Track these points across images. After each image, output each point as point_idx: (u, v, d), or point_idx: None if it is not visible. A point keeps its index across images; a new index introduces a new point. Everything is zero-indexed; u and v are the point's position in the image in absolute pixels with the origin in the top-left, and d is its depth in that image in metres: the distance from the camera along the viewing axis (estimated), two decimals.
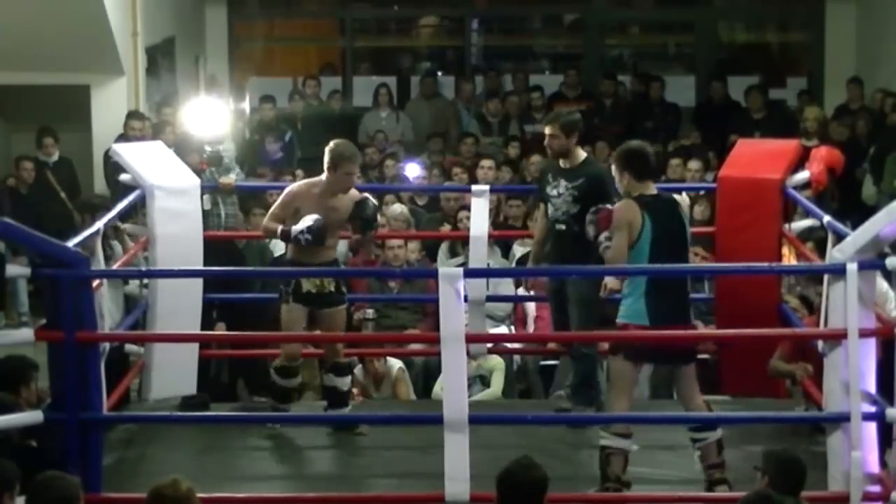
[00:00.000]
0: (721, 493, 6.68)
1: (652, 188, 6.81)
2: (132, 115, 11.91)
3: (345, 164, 7.56)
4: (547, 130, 7.88)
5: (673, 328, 6.62)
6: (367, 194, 7.78)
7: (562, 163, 7.87)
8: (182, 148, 9.13)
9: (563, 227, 7.83)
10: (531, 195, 11.39)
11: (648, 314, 6.60)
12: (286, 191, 7.78)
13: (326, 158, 7.60)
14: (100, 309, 6.93)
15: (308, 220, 7.50)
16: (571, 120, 7.90)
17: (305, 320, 7.69)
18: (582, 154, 7.88)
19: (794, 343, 7.36)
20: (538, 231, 8.23)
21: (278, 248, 10.62)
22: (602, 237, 6.82)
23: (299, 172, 12.24)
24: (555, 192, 7.83)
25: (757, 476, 5.62)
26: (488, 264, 9.15)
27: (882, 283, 7.18)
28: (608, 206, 6.99)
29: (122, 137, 11.40)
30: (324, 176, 7.63)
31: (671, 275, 6.76)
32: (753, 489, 5.56)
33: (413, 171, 12.30)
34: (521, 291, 9.79)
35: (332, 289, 7.66)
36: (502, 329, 9.83)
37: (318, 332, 7.79)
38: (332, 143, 7.69)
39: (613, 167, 6.92)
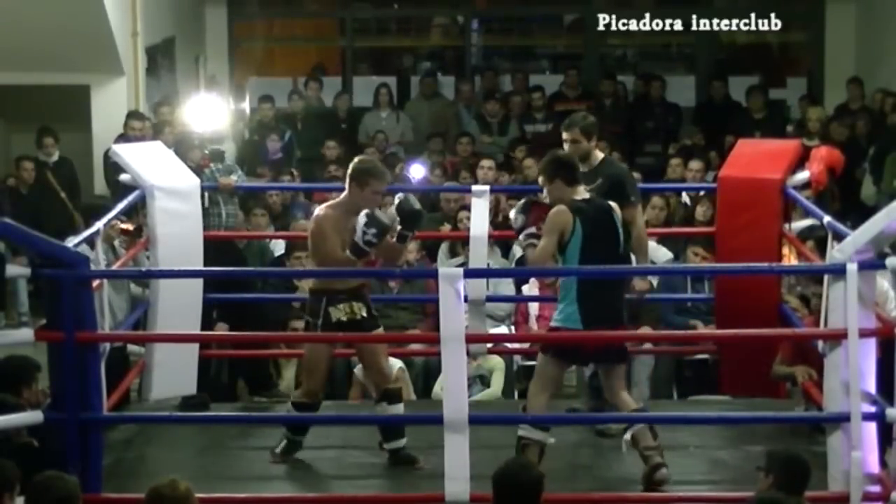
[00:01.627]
0: (662, 476, 6.76)
1: (583, 192, 6.91)
2: (132, 114, 11.91)
3: (374, 181, 7.03)
4: (566, 136, 7.70)
5: (605, 330, 6.78)
6: (400, 194, 7.30)
7: (580, 166, 7.80)
8: (183, 145, 9.14)
9: None
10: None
11: (581, 318, 6.74)
12: (317, 223, 7.04)
13: (351, 174, 7.08)
14: (101, 307, 6.95)
15: (360, 221, 6.88)
16: (590, 123, 7.79)
17: (331, 356, 7.36)
18: (600, 155, 7.74)
19: (795, 344, 7.36)
20: None
21: (278, 248, 10.64)
22: (525, 232, 6.90)
23: (295, 172, 12.30)
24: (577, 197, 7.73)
25: (759, 476, 5.62)
26: (488, 264, 9.15)
27: (882, 283, 7.18)
28: (539, 201, 7.03)
29: (123, 137, 11.40)
30: (344, 195, 7.13)
31: (670, 273, 6.79)
32: (756, 489, 5.56)
33: (418, 171, 12.26)
34: (533, 290, 9.80)
35: (364, 314, 7.11)
36: (502, 329, 9.83)
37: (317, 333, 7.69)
38: (357, 160, 7.23)
39: (541, 177, 6.98)
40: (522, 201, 7.09)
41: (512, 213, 7.09)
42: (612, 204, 6.97)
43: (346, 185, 7.14)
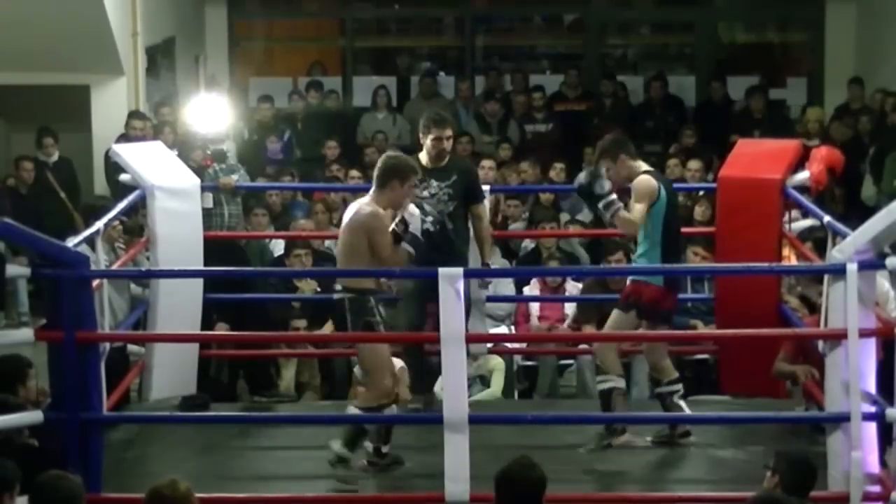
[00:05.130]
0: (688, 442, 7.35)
1: (645, 165, 7.40)
2: (133, 114, 11.93)
3: (413, 175, 6.95)
4: (442, 133, 7.84)
5: (677, 291, 7.43)
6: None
7: (428, 163, 7.88)
8: (186, 145, 9.13)
9: (437, 227, 7.80)
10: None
11: (664, 277, 7.22)
12: (372, 221, 6.85)
13: (390, 170, 6.88)
14: (101, 307, 6.95)
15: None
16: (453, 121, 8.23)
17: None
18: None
19: (797, 343, 7.36)
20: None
21: (278, 248, 10.64)
22: (613, 197, 7.14)
23: (295, 172, 12.29)
24: (426, 194, 7.81)
25: (766, 475, 5.61)
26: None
27: (883, 283, 7.19)
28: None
29: (124, 137, 11.42)
30: (376, 192, 6.91)
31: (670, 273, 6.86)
32: (758, 488, 5.56)
33: None
34: (534, 290, 9.83)
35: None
36: (502, 329, 9.83)
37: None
38: (389, 157, 7.04)
39: (603, 160, 7.28)
40: (593, 170, 7.26)
41: (582, 177, 7.25)
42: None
43: (383, 184, 6.88)
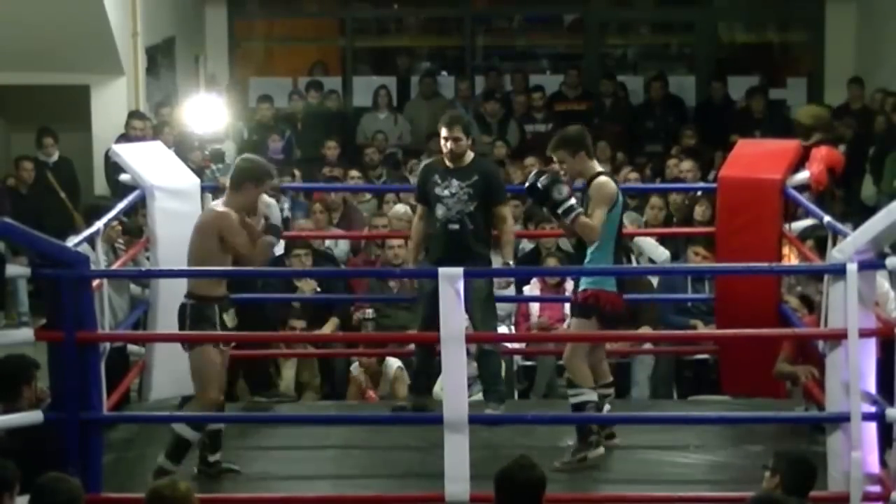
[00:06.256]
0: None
1: (598, 165, 7.26)
2: (134, 114, 11.93)
3: (268, 179, 6.96)
4: (448, 133, 7.83)
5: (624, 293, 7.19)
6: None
7: (449, 163, 7.89)
8: (184, 145, 9.12)
9: (456, 226, 7.83)
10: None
11: (616, 281, 7.05)
12: (222, 222, 6.83)
13: (247, 174, 6.88)
14: (101, 307, 6.95)
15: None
16: (469, 121, 8.18)
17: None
18: (471, 153, 7.94)
19: (797, 344, 7.36)
20: (416, 234, 8.16)
21: (278, 248, 10.61)
22: (572, 202, 6.99)
23: (297, 172, 12.28)
24: (447, 192, 7.84)
25: (766, 475, 5.61)
26: None
27: (883, 283, 7.19)
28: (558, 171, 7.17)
29: (124, 137, 11.43)
30: (231, 195, 6.90)
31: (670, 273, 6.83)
32: (758, 489, 5.57)
33: None
34: (534, 290, 9.83)
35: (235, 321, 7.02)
36: (502, 329, 9.82)
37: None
38: (245, 159, 7.06)
39: (560, 153, 7.12)
40: (548, 175, 7.09)
41: (542, 182, 7.03)
42: None
43: (237, 187, 6.87)
